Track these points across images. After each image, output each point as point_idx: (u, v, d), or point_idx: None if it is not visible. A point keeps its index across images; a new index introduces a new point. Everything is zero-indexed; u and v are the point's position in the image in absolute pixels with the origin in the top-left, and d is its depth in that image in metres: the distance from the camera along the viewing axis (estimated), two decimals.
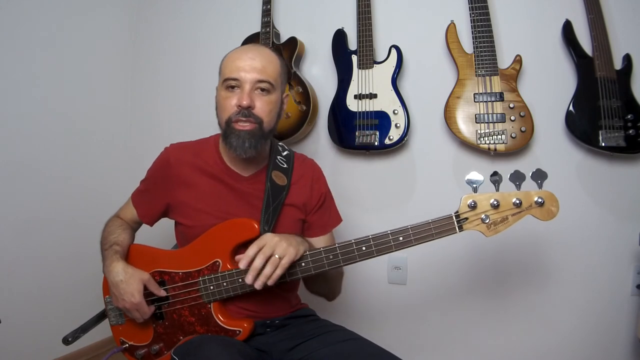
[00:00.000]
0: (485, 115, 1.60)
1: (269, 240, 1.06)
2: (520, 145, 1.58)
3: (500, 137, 1.58)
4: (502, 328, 1.71)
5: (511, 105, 1.59)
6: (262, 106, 1.16)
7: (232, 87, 1.16)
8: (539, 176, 1.00)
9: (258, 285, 1.04)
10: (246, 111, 1.14)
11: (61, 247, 1.85)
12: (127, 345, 1.24)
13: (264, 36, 1.86)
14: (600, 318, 1.62)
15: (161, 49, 2.19)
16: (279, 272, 1.03)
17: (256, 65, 1.15)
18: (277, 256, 1.03)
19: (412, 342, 1.80)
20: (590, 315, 1.63)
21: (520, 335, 1.69)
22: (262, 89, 1.16)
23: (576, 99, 1.56)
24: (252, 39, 1.90)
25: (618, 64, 1.55)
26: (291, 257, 1.05)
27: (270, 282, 1.04)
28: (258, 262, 1.03)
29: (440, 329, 1.78)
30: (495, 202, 1.01)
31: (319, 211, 1.31)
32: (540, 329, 1.67)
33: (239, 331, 1.14)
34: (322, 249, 1.09)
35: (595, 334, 1.62)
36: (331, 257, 1.08)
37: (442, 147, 1.77)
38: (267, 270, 1.03)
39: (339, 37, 1.83)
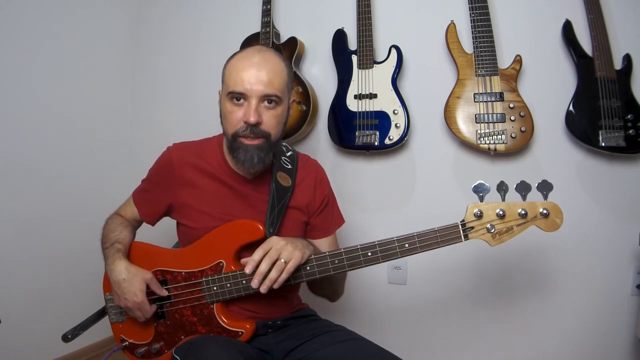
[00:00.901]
0: (485, 115, 1.60)
1: (275, 244, 1.05)
2: (520, 145, 1.58)
3: (500, 137, 1.58)
4: (502, 328, 1.71)
5: (511, 105, 1.59)
6: (269, 120, 1.12)
7: (238, 99, 1.12)
8: (545, 187, 1.01)
9: (263, 289, 1.03)
10: (253, 128, 1.11)
11: (61, 247, 1.85)
12: (127, 343, 1.24)
13: (264, 36, 1.86)
14: (600, 318, 1.62)
15: (161, 49, 2.19)
16: (284, 276, 1.03)
17: (262, 77, 1.10)
18: (282, 260, 1.03)
19: (412, 342, 1.80)
20: (590, 315, 1.63)
21: (521, 334, 1.69)
22: (269, 101, 1.12)
23: (576, 99, 1.56)
24: (252, 39, 1.90)
25: (618, 64, 1.55)
26: (297, 261, 1.04)
27: (275, 286, 1.04)
28: (264, 267, 1.03)
29: (440, 329, 1.78)
30: (501, 212, 1.02)
31: (322, 213, 1.30)
32: (541, 329, 1.67)
33: (242, 332, 1.14)
34: (327, 253, 1.09)
35: (595, 334, 1.62)
36: (336, 261, 1.08)
37: (442, 147, 1.77)
38: (273, 274, 1.03)
39: (339, 37, 1.83)
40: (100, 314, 1.32)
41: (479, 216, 1.03)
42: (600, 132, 1.51)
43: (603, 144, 1.50)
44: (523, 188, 1.01)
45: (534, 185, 1.01)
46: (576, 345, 1.64)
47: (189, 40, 2.14)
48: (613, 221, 1.61)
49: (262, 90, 1.10)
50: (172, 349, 1.17)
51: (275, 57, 1.16)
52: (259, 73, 1.10)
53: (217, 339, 1.09)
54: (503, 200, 1.03)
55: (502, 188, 1.02)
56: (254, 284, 1.03)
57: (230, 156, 1.20)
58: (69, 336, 1.26)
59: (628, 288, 1.59)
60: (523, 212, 1.02)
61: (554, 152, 1.65)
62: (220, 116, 1.19)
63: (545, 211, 1.01)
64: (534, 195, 1.02)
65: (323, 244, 1.29)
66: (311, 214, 1.29)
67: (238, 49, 1.29)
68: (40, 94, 1.78)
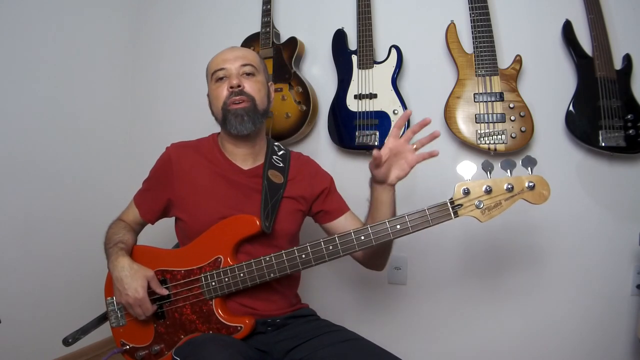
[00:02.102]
0: (485, 115, 1.60)
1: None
2: (520, 145, 1.58)
3: (500, 137, 1.58)
4: (503, 328, 1.71)
5: (511, 105, 1.59)
6: (251, 85, 1.26)
7: (221, 78, 1.26)
8: (529, 162, 1.04)
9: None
10: (237, 90, 1.24)
11: (61, 247, 1.85)
12: (127, 347, 1.24)
13: (264, 36, 1.86)
14: (600, 318, 1.61)
15: (161, 49, 2.19)
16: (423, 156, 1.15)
17: (237, 54, 1.29)
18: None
19: (412, 341, 1.80)
20: (590, 315, 1.63)
21: (521, 335, 1.69)
22: (248, 73, 1.27)
23: (576, 99, 1.56)
24: (252, 39, 1.91)
25: (618, 64, 1.55)
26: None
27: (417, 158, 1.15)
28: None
29: (440, 329, 1.78)
30: (488, 188, 1.05)
31: (328, 197, 1.34)
32: (541, 329, 1.67)
33: (241, 327, 1.14)
34: (321, 239, 1.11)
35: (595, 334, 1.62)
36: (331, 247, 1.10)
37: (442, 147, 1.74)
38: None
39: (339, 37, 1.83)
40: (102, 318, 1.33)
41: (467, 193, 1.05)
42: (600, 132, 1.51)
43: (603, 144, 1.50)
44: (508, 165, 1.04)
45: (519, 162, 1.03)
46: (576, 345, 1.63)
47: (188, 40, 2.13)
48: (613, 221, 1.61)
49: (239, 63, 1.26)
50: (172, 350, 1.17)
51: (246, 48, 1.38)
52: (234, 52, 1.30)
53: (217, 339, 1.10)
54: (489, 178, 1.05)
55: (487, 168, 1.04)
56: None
57: (223, 132, 1.30)
58: (70, 340, 1.27)
59: (628, 288, 1.59)
60: (509, 187, 1.04)
61: (554, 152, 1.64)
62: (210, 106, 1.31)
63: (531, 184, 1.03)
64: (520, 172, 1.04)
65: (342, 222, 1.32)
66: (312, 202, 1.32)
67: None
68: (41, 94, 1.78)
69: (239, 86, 1.24)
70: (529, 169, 1.03)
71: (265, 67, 1.36)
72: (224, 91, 1.25)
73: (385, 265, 1.34)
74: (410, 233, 1.07)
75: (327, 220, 1.33)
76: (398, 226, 1.07)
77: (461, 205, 1.05)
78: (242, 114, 1.23)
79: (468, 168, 1.05)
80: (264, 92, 1.30)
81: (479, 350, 1.74)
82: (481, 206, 1.04)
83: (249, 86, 1.26)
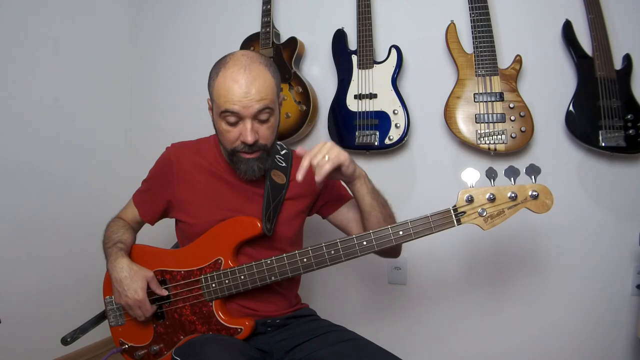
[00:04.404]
0: (485, 115, 1.60)
1: (326, 144, 1.08)
2: (520, 145, 1.58)
3: (500, 137, 1.58)
4: (503, 328, 1.71)
5: (511, 105, 1.59)
6: (265, 134, 1.13)
7: (232, 120, 1.11)
8: (533, 171, 1.03)
9: (299, 177, 1.04)
10: (251, 146, 1.12)
11: (61, 247, 1.85)
12: (126, 346, 1.24)
13: (264, 36, 1.86)
14: (600, 318, 1.62)
15: (161, 49, 2.19)
16: (327, 167, 1.04)
17: (253, 95, 1.07)
18: (326, 158, 1.06)
19: (412, 342, 1.80)
20: (590, 315, 1.63)
21: (521, 335, 1.69)
22: (263, 115, 1.11)
23: (576, 99, 1.56)
24: (252, 39, 1.91)
25: (618, 64, 1.55)
26: (342, 159, 1.07)
27: (318, 178, 1.04)
28: (305, 162, 1.06)
29: (440, 329, 1.78)
30: (491, 196, 1.04)
31: (330, 187, 1.32)
32: (541, 329, 1.67)
33: (241, 329, 1.14)
34: (323, 244, 1.10)
35: (595, 334, 1.62)
36: (332, 252, 1.09)
37: (442, 147, 1.77)
38: (318, 159, 1.05)
39: (339, 37, 1.83)
40: (100, 317, 1.32)
41: (470, 201, 1.05)
42: (600, 132, 1.51)
43: (603, 144, 1.50)
44: (512, 173, 1.04)
45: (523, 169, 1.03)
46: (576, 345, 1.64)
47: (188, 40, 2.14)
48: (613, 221, 1.61)
49: (255, 109, 1.08)
50: (171, 350, 1.17)
51: (261, 67, 1.11)
52: (249, 92, 1.07)
53: (217, 339, 1.10)
54: (492, 185, 1.05)
55: (491, 175, 1.04)
56: (298, 177, 1.05)
57: (229, 163, 1.22)
58: (68, 339, 1.27)
59: (628, 288, 1.59)
60: (513, 195, 1.04)
61: (554, 152, 1.65)
62: (215, 128, 1.20)
63: (534, 193, 1.03)
64: (524, 181, 1.04)
65: (349, 211, 1.30)
66: (315, 198, 1.30)
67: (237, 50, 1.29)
68: (41, 94, 1.78)
69: (254, 142, 1.11)
70: (533, 177, 1.03)
71: (279, 85, 1.17)
72: (234, 138, 1.12)
73: (400, 253, 1.33)
74: (413, 239, 1.07)
75: (330, 210, 1.32)
76: (401, 232, 1.07)
77: (464, 212, 1.05)
78: (254, 164, 1.14)
79: (471, 175, 1.04)
80: (277, 126, 1.18)
81: (478, 349, 1.74)
82: (484, 214, 1.04)
83: (263, 135, 1.12)
